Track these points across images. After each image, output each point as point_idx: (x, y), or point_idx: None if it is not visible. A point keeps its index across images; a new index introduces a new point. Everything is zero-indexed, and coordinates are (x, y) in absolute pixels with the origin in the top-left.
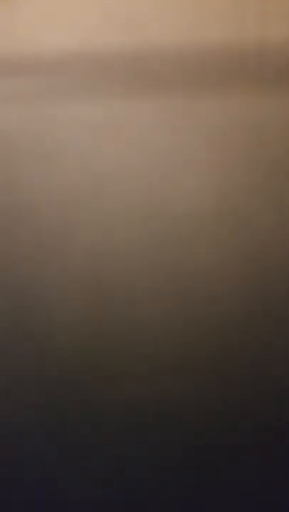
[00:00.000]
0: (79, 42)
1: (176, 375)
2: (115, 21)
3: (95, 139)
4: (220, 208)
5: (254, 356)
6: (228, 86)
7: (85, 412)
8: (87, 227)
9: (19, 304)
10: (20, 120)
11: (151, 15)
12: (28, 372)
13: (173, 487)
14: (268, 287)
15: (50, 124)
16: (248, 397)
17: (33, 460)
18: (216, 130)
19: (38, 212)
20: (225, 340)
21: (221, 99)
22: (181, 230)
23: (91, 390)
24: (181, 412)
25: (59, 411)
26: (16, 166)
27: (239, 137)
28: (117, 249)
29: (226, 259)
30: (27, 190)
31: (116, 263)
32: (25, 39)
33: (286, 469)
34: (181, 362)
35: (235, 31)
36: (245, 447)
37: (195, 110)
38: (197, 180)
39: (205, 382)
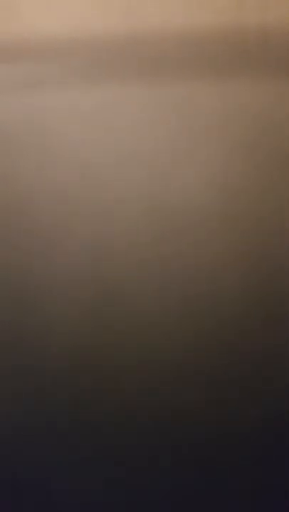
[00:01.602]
0: (73, 27)
1: (177, 368)
2: (112, 6)
3: (92, 128)
4: (220, 198)
5: (255, 350)
6: (228, 73)
7: (84, 409)
8: (85, 219)
9: (18, 297)
10: (15, 109)
11: (150, 0)
12: (26, 367)
13: (173, 486)
14: (270, 278)
15: (46, 114)
16: (249, 392)
17: (31, 457)
18: (215, 118)
19: (34, 203)
20: (226, 334)
21: (221, 87)
22: (181, 221)
23: (91, 384)
24: (182, 408)
25: (58, 407)
26: (11, 157)
27: (239, 126)
28: (117, 242)
29: (227, 250)
30: (23, 182)
31: (116, 256)
32: (18, 25)
33: (287, 471)
34: (182, 355)
35: (235, 16)
36: (245, 446)
37: (194, 98)
38: (197, 170)
39: (206, 377)
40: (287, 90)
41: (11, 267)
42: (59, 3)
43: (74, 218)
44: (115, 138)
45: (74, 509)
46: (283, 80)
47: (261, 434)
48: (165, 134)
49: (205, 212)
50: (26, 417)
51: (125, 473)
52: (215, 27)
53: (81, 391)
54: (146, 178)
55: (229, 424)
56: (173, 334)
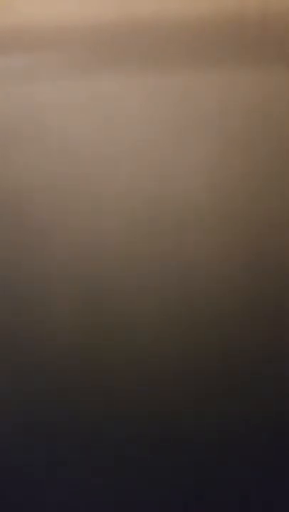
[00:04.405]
0: (68, 17)
1: (176, 365)
2: None
3: (88, 120)
4: (218, 193)
5: (254, 345)
6: (228, 62)
7: (83, 406)
8: (82, 213)
9: (13, 294)
10: (10, 101)
11: None
12: (24, 364)
13: (172, 486)
14: (269, 274)
15: (41, 106)
16: (250, 388)
17: (32, 454)
18: (215, 108)
19: (30, 197)
20: (225, 330)
21: (220, 76)
22: (179, 216)
23: (90, 383)
24: (181, 405)
25: (58, 405)
26: (5, 149)
27: (239, 117)
28: (114, 237)
29: (226, 246)
30: (17, 175)
31: (113, 251)
32: (12, 14)
33: (287, 473)
34: (181, 352)
35: (234, 4)
36: (245, 445)
37: (193, 88)
38: (195, 163)
39: (205, 372)
40: (287, 80)
41: (7, 263)
42: None
43: (71, 212)
44: (111, 130)
45: (73, 508)
46: (284, 69)
47: (261, 432)
48: (163, 126)
49: (203, 207)
50: (26, 416)
51: (125, 471)
52: (214, 15)
53: (80, 389)
54: (144, 171)
55: (229, 423)
56: (171, 331)
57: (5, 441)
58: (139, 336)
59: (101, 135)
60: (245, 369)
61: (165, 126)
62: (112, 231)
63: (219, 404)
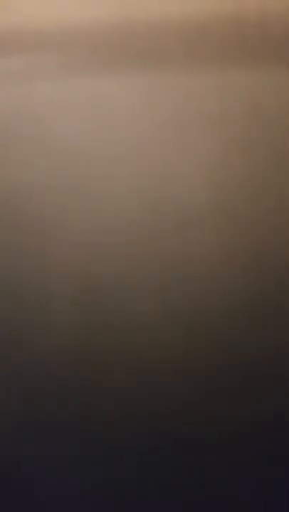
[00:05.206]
0: (67, 17)
1: (176, 364)
2: None
3: (87, 121)
4: (219, 192)
5: (254, 345)
6: (227, 61)
7: (83, 405)
8: (80, 213)
9: (12, 294)
10: (8, 101)
11: None
12: (26, 362)
13: (171, 484)
14: (269, 274)
15: (40, 106)
16: (250, 389)
17: (31, 451)
18: (214, 109)
19: (28, 198)
20: (225, 330)
21: (220, 77)
22: (179, 216)
23: (90, 382)
24: (182, 405)
25: (58, 403)
26: (3, 149)
27: (239, 118)
28: (113, 238)
29: (226, 246)
30: (14, 175)
31: (112, 252)
32: (10, 14)
33: (287, 473)
34: (180, 352)
35: (234, 5)
36: (245, 444)
37: (192, 89)
38: (195, 163)
39: (205, 372)
40: (287, 80)
41: (6, 263)
42: None
43: (71, 212)
44: (111, 130)
45: (72, 505)
46: (284, 69)
47: (261, 433)
48: (163, 126)
49: (203, 207)
50: (25, 414)
51: (125, 470)
52: (214, 16)
53: (79, 388)
54: (144, 171)
55: (229, 423)
56: (172, 330)
57: (4, 438)
58: (139, 336)
59: (101, 135)
60: (246, 369)
61: (165, 127)
62: (112, 231)
63: (219, 404)
